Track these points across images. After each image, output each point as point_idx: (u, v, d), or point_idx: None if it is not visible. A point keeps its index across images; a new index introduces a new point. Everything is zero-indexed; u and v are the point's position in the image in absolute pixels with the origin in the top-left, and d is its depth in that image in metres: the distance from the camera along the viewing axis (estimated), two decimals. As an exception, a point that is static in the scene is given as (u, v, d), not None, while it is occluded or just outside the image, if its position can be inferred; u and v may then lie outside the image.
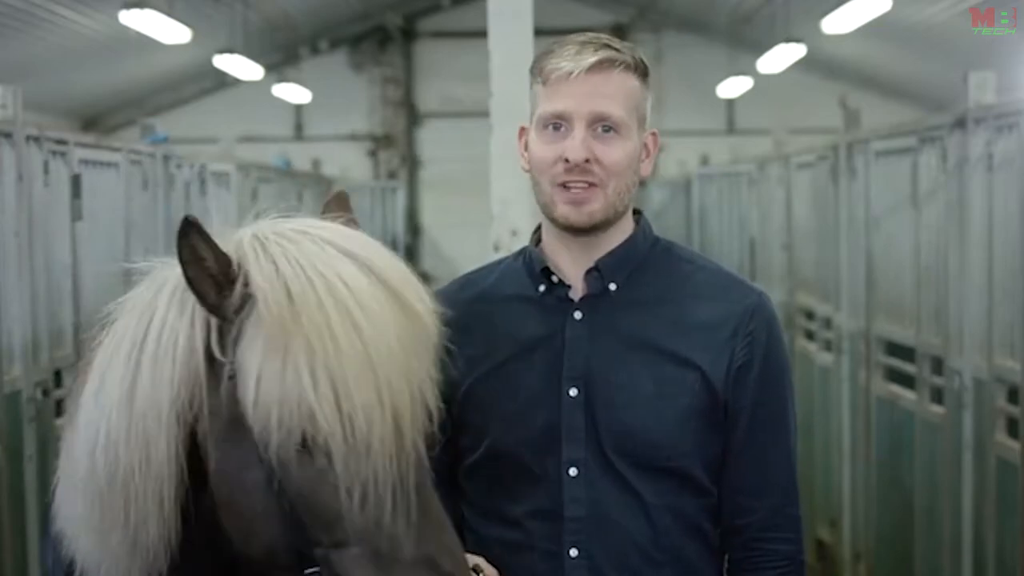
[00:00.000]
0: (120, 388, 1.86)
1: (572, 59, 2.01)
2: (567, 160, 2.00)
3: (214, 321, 1.80)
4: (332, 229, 1.85)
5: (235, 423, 1.79)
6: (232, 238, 1.82)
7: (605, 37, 2.07)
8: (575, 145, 2.00)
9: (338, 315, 1.73)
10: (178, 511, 1.86)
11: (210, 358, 1.81)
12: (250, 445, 1.77)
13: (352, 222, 1.93)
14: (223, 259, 1.75)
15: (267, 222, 1.87)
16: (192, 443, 1.84)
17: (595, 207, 2.03)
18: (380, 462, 1.72)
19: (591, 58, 2.01)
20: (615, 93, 2.02)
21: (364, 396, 1.71)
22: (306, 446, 1.73)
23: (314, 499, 1.75)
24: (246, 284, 1.76)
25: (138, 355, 1.85)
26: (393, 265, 1.82)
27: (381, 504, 1.73)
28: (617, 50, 2.04)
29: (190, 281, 1.75)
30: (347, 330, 1.72)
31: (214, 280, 1.76)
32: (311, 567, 1.78)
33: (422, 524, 1.75)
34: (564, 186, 2.03)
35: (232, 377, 1.78)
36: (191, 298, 1.80)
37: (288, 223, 1.85)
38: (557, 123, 2.03)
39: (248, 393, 1.74)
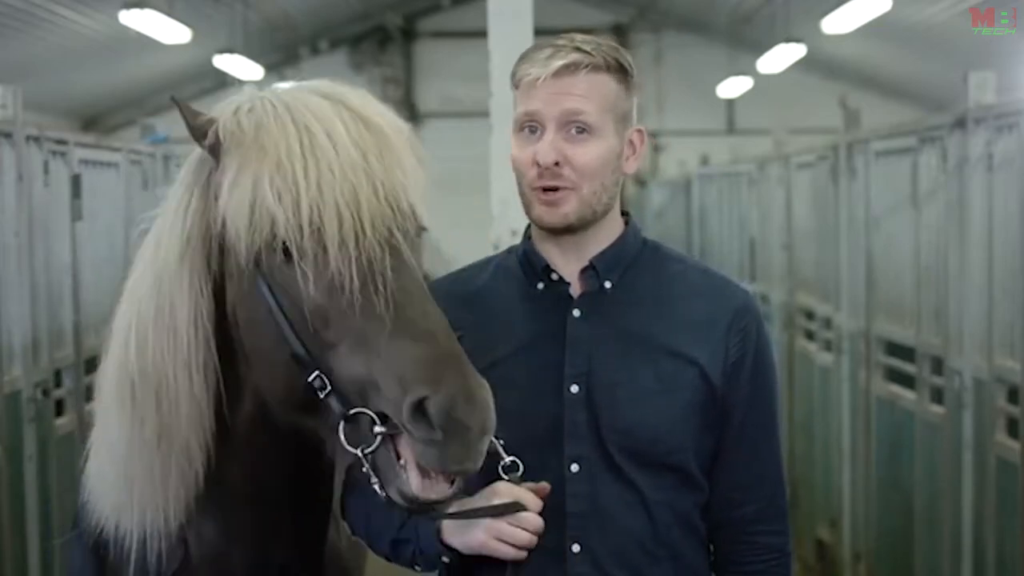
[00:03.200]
0: (147, 275, 2.01)
1: (541, 64, 2.03)
2: (538, 164, 2.02)
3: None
4: (316, 82, 2.04)
5: (243, 267, 1.92)
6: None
7: (580, 39, 2.07)
8: (544, 148, 2.02)
9: (294, 128, 1.90)
10: (210, 393, 1.98)
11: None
12: (254, 281, 1.90)
13: None
14: (194, 115, 1.99)
15: None
16: (222, 322, 1.98)
17: (568, 209, 2.04)
18: (342, 254, 1.82)
19: (557, 63, 2.02)
20: (584, 93, 2.03)
21: (316, 189, 1.84)
22: (277, 251, 1.86)
23: (299, 304, 1.85)
24: (217, 128, 1.95)
25: (160, 233, 2.03)
26: (358, 95, 2.00)
27: (353, 290, 1.81)
28: (587, 52, 2.04)
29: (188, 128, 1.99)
30: (303, 139, 1.88)
31: (192, 131, 1.98)
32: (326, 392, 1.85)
33: (401, 303, 1.82)
34: (538, 190, 2.05)
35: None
36: (206, 165, 2.01)
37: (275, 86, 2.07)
38: (532, 125, 2.05)
39: (222, 210, 1.91)
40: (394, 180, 1.91)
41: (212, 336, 1.98)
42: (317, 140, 1.88)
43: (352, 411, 1.82)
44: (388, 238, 1.87)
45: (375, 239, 1.85)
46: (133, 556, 2.06)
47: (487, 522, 1.91)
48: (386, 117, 1.98)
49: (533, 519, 1.92)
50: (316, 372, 1.84)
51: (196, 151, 2.06)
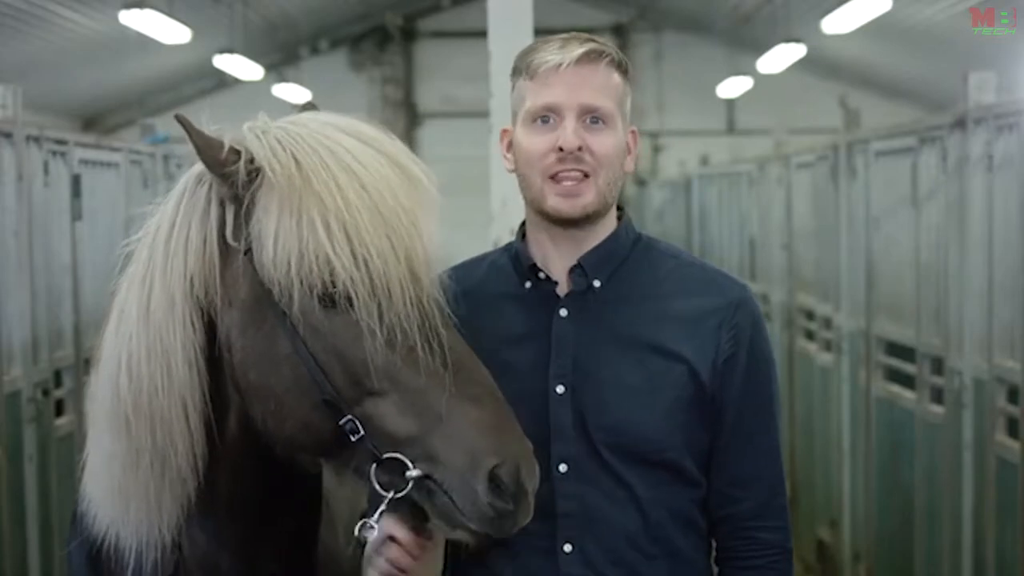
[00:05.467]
0: (138, 307, 1.97)
1: (559, 52, 2.04)
2: (561, 149, 2.02)
3: (229, 212, 1.92)
4: (328, 115, 2.00)
5: (257, 303, 1.89)
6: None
7: (585, 35, 2.10)
8: (568, 134, 2.02)
9: (344, 175, 1.86)
10: (202, 421, 1.96)
11: (224, 250, 1.93)
12: (274, 320, 1.87)
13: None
14: (205, 139, 1.91)
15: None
16: (211, 350, 1.95)
17: (588, 199, 2.04)
18: (401, 303, 1.82)
19: (578, 50, 2.03)
20: (602, 85, 2.05)
21: (377, 242, 1.83)
22: (329, 298, 1.83)
23: (344, 351, 1.84)
24: (251, 160, 1.89)
25: (151, 267, 1.97)
26: (387, 139, 1.97)
27: (410, 344, 1.82)
28: (601, 43, 2.07)
29: (199, 154, 1.91)
30: (355, 187, 1.85)
31: (207, 159, 1.90)
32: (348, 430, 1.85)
33: (456, 362, 1.83)
34: (555, 179, 2.04)
35: (248, 251, 1.89)
36: (203, 192, 1.95)
37: (283, 119, 2.00)
38: (546, 116, 2.05)
39: (267, 253, 1.85)
40: (434, 236, 1.92)
41: (205, 370, 1.96)
42: (368, 189, 1.87)
43: (386, 455, 1.83)
44: (434, 295, 1.88)
45: (427, 291, 1.87)
46: (131, 565, 2.07)
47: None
48: (419, 166, 1.97)
49: None
50: (349, 417, 1.84)
51: (191, 171, 2.01)
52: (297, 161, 1.87)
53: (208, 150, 1.91)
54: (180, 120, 1.92)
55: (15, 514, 4.13)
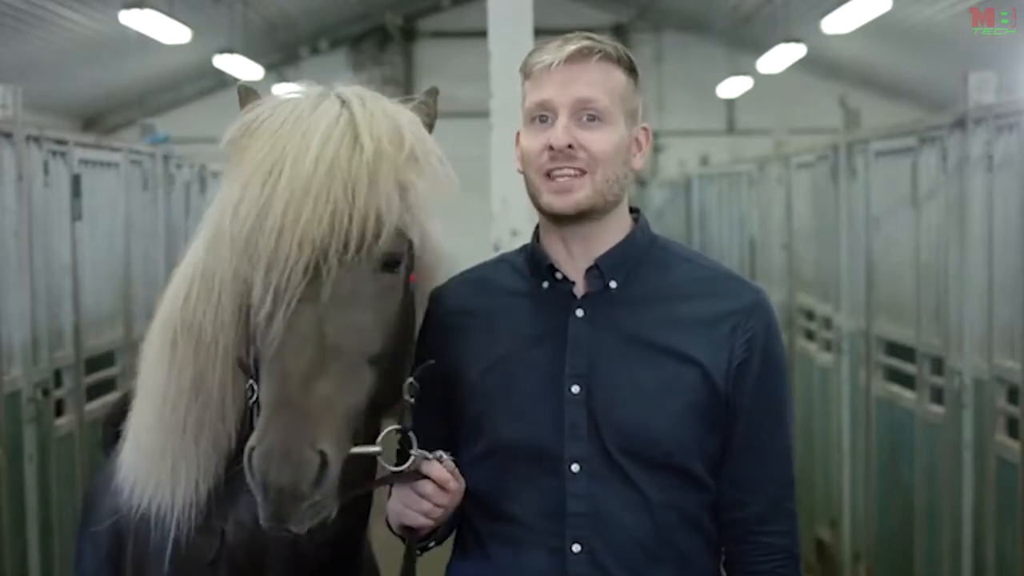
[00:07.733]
0: (202, 244, 2.13)
1: (552, 52, 2.06)
2: (551, 147, 2.03)
3: None
4: (302, 87, 2.06)
5: None
6: None
7: (588, 34, 2.11)
8: (557, 132, 2.03)
9: (270, 150, 1.89)
10: (242, 346, 2.02)
11: None
12: None
13: None
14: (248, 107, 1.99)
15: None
16: None
17: (580, 196, 2.04)
18: (264, 279, 1.84)
19: (570, 47, 2.05)
20: (596, 81, 2.05)
21: (262, 217, 1.85)
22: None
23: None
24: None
25: (220, 213, 2.03)
26: (354, 105, 1.98)
27: (266, 319, 1.84)
28: (598, 41, 2.08)
29: None
30: (275, 161, 1.88)
31: None
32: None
33: (277, 341, 1.81)
34: (549, 175, 2.05)
35: None
36: None
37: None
38: (543, 115, 2.06)
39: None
40: (356, 206, 1.86)
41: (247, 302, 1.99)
42: (286, 161, 1.87)
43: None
44: (315, 265, 1.83)
45: (299, 266, 1.82)
46: (169, 550, 2.09)
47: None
48: (372, 132, 1.93)
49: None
50: (251, 381, 1.90)
51: None
52: (249, 136, 1.95)
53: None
54: (241, 90, 2.05)
55: (15, 514, 4.13)
